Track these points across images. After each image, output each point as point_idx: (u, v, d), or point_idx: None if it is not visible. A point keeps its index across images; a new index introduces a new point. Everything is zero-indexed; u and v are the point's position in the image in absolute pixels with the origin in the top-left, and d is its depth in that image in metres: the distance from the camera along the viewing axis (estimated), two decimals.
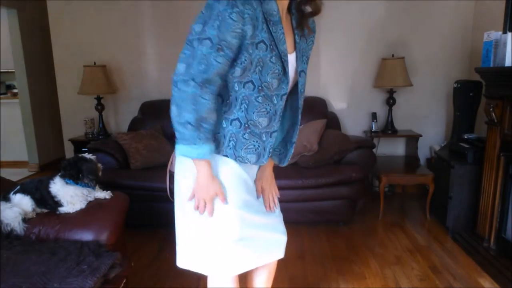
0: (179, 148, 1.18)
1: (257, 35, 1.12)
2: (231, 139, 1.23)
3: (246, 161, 1.26)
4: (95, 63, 3.72)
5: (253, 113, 1.20)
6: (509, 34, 2.25)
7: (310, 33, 1.30)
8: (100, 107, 3.74)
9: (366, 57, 3.68)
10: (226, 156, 1.25)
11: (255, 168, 1.40)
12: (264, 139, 1.26)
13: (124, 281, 1.60)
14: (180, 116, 1.13)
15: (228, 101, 1.21)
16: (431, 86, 3.68)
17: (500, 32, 2.36)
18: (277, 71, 1.18)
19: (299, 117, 1.36)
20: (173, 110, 1.16)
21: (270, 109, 1.22)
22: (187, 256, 1.37)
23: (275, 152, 1.43)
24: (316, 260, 2.50)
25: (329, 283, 2.24)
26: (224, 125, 1.22)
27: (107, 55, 3.84)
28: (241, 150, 1.24)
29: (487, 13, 3.28)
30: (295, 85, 1.31)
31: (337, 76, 3.70)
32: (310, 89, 3.35)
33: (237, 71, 1.15)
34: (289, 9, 1.25)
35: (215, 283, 1.41)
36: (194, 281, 2.29)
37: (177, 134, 1.17)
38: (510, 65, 2.24)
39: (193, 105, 1.10)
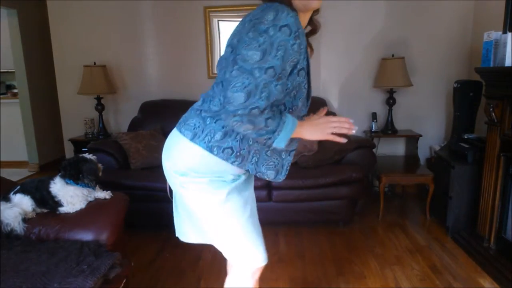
0: (280, 141, 1.17)
1: (302, 63, 1.19)
2: (254, 155, 1.28)
3: (266, 176, 1.32)
4: (95, 63, 3.72)
5: None
6: (509, 34, 2.25)
7: (312, 52, 1.33)
8: (100, 107, 3.74)
9: (366, 57, 3.68)
10: (248, 171, 1.31)
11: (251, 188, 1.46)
12: (283, 157, 1.33)
13: (124, 281, 1.61)
14: (259, 123, 1.12)
15: None
16: (431, 86, 3.68)
17: (500, 32, 2.36)
18: (303, 95, 1.26)
19: None
20: (248, 129, 1.14)
21: None
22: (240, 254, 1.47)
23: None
24: (316, 260, 2.50)
25: (329, 283, 2.24)
26: (251, 142, 1.26)
27: (107, 55, 3.85)
28: (262, 166, 1.30)
29: (487, 13, 3.28)
30: None
31: (337, 76, 3.70)
32: None
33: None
34: None
35: (244, 277, 1.50)
36: (194, 281, 2.29)
37: (267, 135, 1.16)
38: (510, 65, 2.24)
39: (257, 124, 1.12)
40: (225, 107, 1.10)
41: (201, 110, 1.29)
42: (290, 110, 1.24)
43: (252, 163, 1.29)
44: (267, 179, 1.34)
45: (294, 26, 1.10)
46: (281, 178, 1.35)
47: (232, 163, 1.27)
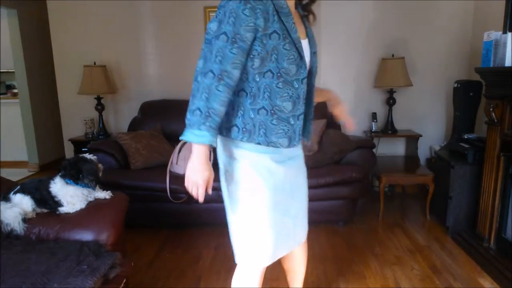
0: (185, 134, 1.22)
1: (269, 27, 1.23)
2: (260, 127, 1.31)
3: (279, 145, 1.35)
4: (95, 63, 3.72)
5: (276, 99, 1.30)
6: (509, 34, 2.25)
7: (315, 18, 1.44)
8: (100, 107, 3.74)
9: (366, 57, 3.68)
10: (259, 144, 1.33)
11: (289, 156, 1.45)
12: (293, 122, 1.35)
13: (124, 281, 1.60)
14: (193, 104, 1.21)
15: (252, 93, 1.30)
16: (431, 86, 3.68)
17: (500, 32, 2.36)
18: (292, 57, 1.28)
19: (314, 95, 1.48)
20: (189, 101, 1.24)
21: (292, 93, 1.32)
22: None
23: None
24: (316, 260, 2.50)
25: (329, 283, 2.24)
26: (252, 116, 1.31)
27: (107, 55, 3.85)
28: (271, 135, 1.33)
29: (487, 13, 3.28)
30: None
31: (337, 76, 3.70)
32: None
33: (256, 62, 1.25)
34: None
35: (245, 273, 1.48)
36: (194, 281, 2.29)
37: (186, 121, 1.23)
38: (510, 65, 2.24)
39: (206, 95, 1.20)
40: None
41: None
42: (279, 74, 1.28)
43: (261, 136, 1.32)
44: (283, 147, 1.36)
45: None
46: (296, 144, 1.40)
47: (241, 139, 1.33)
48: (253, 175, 1.36)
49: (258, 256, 1.43)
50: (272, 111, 1.30)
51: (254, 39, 1.22)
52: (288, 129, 1.34)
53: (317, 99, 1.55)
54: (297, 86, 1.32)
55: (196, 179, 1.27)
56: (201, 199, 1.29)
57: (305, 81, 1.35)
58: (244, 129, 1.31)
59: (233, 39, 1.18)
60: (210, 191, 1.31)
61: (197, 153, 1.24)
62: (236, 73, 1.21)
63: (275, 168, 1.38)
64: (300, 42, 1.30)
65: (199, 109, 1.19)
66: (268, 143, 1.33)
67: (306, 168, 1.59)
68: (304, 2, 1.44)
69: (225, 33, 1.18)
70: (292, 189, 1.47)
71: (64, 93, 3.99)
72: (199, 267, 2.45)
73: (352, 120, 1.63)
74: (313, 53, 1.42)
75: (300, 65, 1.31)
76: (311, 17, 1.46)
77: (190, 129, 1.20)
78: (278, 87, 1.29)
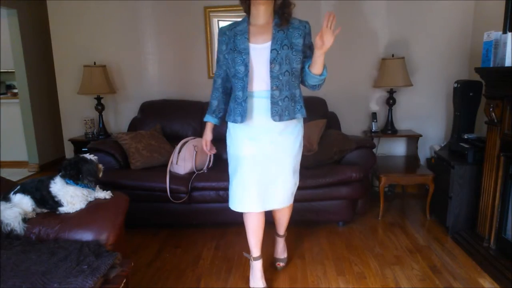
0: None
1: (229, 46, 1.95)
2: (232, 111, 2.00)
3: (237, 121, 1.97)
4: (95, 63, 3.72)
5: (235, 90, 1.98)
6: (509, 34, 2.25)
7: (284, 26, 1.89)
8: (100, 107, 3.74)
9: (366, 57, 3.69)
10: (231, 121, 2.01)
11: (257, 126, 1.98)
12: (243, 105, 1.94)
13: (124, 281, 1.60)
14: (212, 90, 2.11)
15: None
16: (431, 86, 3.68)
17: (500, 32, 2.36)
18: (239, 60, 1.90)
19: (282, 78, 1.92)
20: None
21: (241, 85, 1.93)
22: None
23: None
24: (316, 260, 2.51)
25: (329, 283, 2.24)
26: (231, 104, 2.02)
27: (107, 55, 3.85)
28: (234, 114, 1.98)
29: (487, 13, 3.28)
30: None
31: (337, 76, 3.69)
32: None
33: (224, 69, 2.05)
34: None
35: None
36: (194, 281, 2.29)
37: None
38: (510, 65, 2.24)
39: (211, 93, 2.11)
40: None
41: None
42: (235, 71, 1.92)
43: (230, 115, 2.00)
44: (238, 122, 1.96)
45: (219, 33, 2.02)
46: (245, 120, 1.95)
47: (227, 119, 2.04)
48: (229, 144, 2.10)
49: (231, 202, 2.06)
50: (233, 99, 1.98)
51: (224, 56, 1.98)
52: (240, 110, 1.94)
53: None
54: (244, 79, 1.90)
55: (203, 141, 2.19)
56: (208, 153, 2.23)
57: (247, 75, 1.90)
58: (229, 112, 2.02)
59: (217, 59, 2.06)
60: (214, 151, 2.23)
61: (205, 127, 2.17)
62: (219, 80, 2.07)
63: (247, 142, 1.99)
64: (246, 50, 1.88)
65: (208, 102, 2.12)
66: (234, 120, 1.98)
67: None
68: (279, 12, 1.90)
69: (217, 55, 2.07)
70: (265, 162, 1.98)
71: (64, 93, 3.99)
72: (199, 267, 2.45)
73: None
74: (272, 49, 1.86)
75: (245, 69, 1.89)
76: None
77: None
78: (235, 83, 1.95)
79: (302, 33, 1.91)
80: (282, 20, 1.88)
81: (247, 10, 1.95)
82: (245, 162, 1.97)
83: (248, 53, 1.88)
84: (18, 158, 5.10)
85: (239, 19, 2.01)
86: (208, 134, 2.15)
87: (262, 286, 2.12)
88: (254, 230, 2.10)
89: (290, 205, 2.20)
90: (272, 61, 1.86)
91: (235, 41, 1.91)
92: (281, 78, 1.88)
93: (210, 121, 2.10)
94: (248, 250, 2.19)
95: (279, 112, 1.91)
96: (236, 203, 2.02)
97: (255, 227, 2.09)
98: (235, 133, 2.01)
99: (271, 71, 1.87)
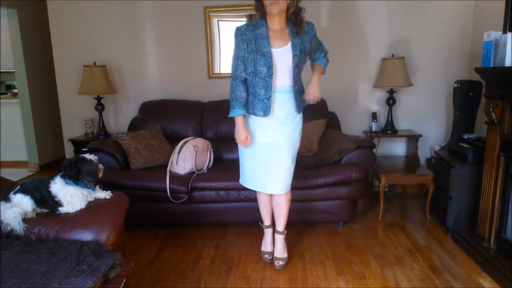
0: (230, 112, 2.21)
1: (250, 47, 2.14)
2: (250, 104, 2.21)
3: (259, 115, 2.20)
4: (95, 63, 3.72)
5: (255, 87, 2.17)
6: (509, 34, 2.25)
7: (300, 33, 2.15)
8: (100, 107, 3.74)
9: (366, 57, 3.69)
10: (251, 114, 2.23)
11: (272, 119, 2.22)
12: (266, 102, 2.17)
13: (124, 281, 1.60)
14: (230, 95, 2.20)
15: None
16: (431, 86, 3.68)
17: (500, 32, 2.36)
18: (263, 65, 2.11)
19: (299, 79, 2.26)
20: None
21: (264, 84, 2.14)
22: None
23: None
24: (316, 260, 2.51)
25: (329, 283, 2.24)
26: (250, 97, 2.21)
27: (107, 55, 3.85)
28: (254, 109, 2.20)
29: (487, 13, 3.28)
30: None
31: (337, 76, 3.70)
32: None
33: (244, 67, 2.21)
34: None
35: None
36: (194, 281, 2.29)
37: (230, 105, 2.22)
38: (510, 65, 2.24)
39: (232, 89, 2.20)
40: None
41: None
42: (257, 71, 2.13)
43: (251, 109, 2.20)
44: (260, 116, 2.19)
45: (238, 32, 2.16)
46: (268, 115, 2.18)
47: (249, 112, 2.22)
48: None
49: (242, 179, 2.41)
50: (253, 95, 2.18)
51: (244, 55, 2.15)
52: (262, 106, 2.16)
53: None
54: (267, 80, 2.12)
55: (239, 139, 2.23)
56: (245, 147, 2.28)
57: (272, 76, 2.13)
58: (251, 105, 2.20)
59: (237, 56, 2.18)
60: (249, 141, 2.25)
61: (235, 124, 2.22)
62: (242, 76, 2.19)
63: (260, 130, 2.24)
64: (269, 54, 2.10)
65: (231, 98, 2.19)
66: (255, 113, 2.20)
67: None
68: (292, 17, 2.14)
69: (234, 54, 2.19)
70: (268, 152, 2.24)
71: (64, 93, 3.99)
72: (199, 267, 2.46)
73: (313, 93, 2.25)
74: (294, 56, 2.13)
75: (268, 69, 2.10)
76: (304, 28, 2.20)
77: (230, 109, 2.20)
78: (255, 81, 2.15)
79: (310, 37, 2.21)
80: (298, 27, 2.14)
81: (264, 18, 2.16)
82: (257, 148, 2.25)
83: (271, 57, 2.11)
84: (18, 158, 5.10)
85: (243, 20, 2.22)
86: (245, 129, 2.22)
87: (270, 250, 2.49)
88: (265, 204, 2.47)
89: (288, 197, 2.38)
90: (295, 66, 2.14)
91: (256, 43, 2.11)
92: (297, 78, 2.21)
93: (243, 113, 2.20)
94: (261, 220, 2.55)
95: (297, 106, 2.24)
96: (250, 183, 2.37)
97: (266, 202, 2.46)
98: (252, 122, 2.25)
99: (293, 73, 2.16)
